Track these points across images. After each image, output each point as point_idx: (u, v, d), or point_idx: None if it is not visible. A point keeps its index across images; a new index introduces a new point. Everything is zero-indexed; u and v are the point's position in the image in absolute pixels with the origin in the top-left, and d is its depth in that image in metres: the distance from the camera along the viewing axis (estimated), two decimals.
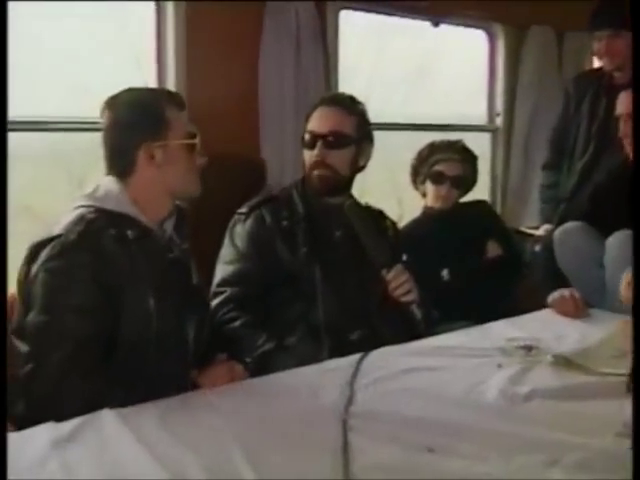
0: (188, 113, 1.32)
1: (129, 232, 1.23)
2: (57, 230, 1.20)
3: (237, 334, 1.49)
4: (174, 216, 1.34)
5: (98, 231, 1.20)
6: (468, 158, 2.15)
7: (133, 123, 1.26)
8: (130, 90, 1.32)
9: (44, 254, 1.18)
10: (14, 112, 1.33)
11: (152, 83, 2.09)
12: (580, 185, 2.23)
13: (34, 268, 1.19)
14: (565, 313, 1.66)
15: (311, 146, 1.62)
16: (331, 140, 1.60)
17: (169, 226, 1.33)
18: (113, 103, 1.29)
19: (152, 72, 2.11)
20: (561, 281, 1.76)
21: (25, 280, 1.20)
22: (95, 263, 1.18)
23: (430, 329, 1.59)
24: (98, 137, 1.30)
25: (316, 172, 1.61)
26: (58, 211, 1.31)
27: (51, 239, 1.19)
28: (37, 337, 1.16)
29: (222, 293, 1.56)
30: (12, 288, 1.26)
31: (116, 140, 1.28)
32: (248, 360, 1.36)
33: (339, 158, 1.61)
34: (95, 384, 1.13)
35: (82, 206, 1.25)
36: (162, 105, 1.29)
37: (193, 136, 1.31)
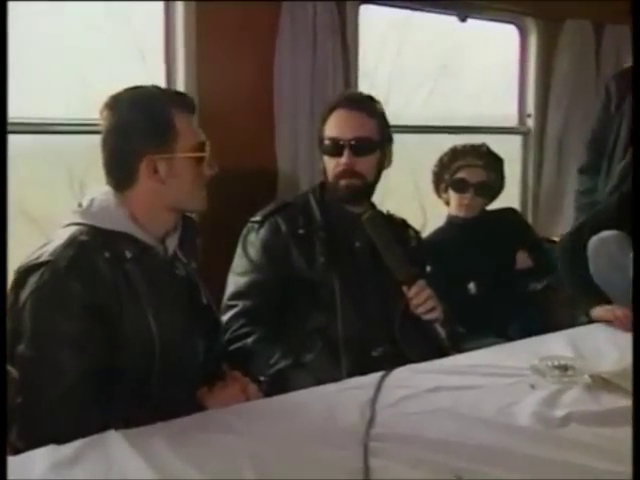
0: (197, 114, 1.29)
1: (126, 252, 1.22)
2: (47, 254, 1.18)
3: (250, 350, 1.52)
4: (178, 230, 1.33)
5: (91, 255, 1.18)
6: (493, 163, 2.17)
7: (135, 130, 1.22)
8: (134, 89, 1.27)
9: (32, 281, 1.16)
10: (12, 113, 1.31)
11: (158, 80, 2.12)
12: (618, 189, 2.22)
13: (22, 295, 1.16)
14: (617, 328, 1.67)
15: (335, 153, 1.64)
16: (358, 146, 1.63)
17: (172, 242, 1.31)
18: (114, 103, 1.24)
19: (157, 68, 2.15)
20: (599, 295, 1.76)
21: (13, 308, 1.16)
22: (88, 290, 1.15)
23: (456, 346, 1.60)
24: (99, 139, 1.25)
25: (344, 181, 1.64)
26: (57, 217, 1.31)
27: (40, 264, 1.17)
28: (27, 373, 1.13)
29: (234, 307, 1.59)
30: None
31: (115, 147, 1.24)
32: (262, 378, 1.38)
33: (367, 165, 1.65)
34: (93, 417, 1.12)
35: (75, 224, 1.23)
36: (170, 110, 1.24)
37: (203, 146, 1.27)
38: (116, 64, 2.30)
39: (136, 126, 1.23)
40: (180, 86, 1.99)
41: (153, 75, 2.25)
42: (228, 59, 2.04)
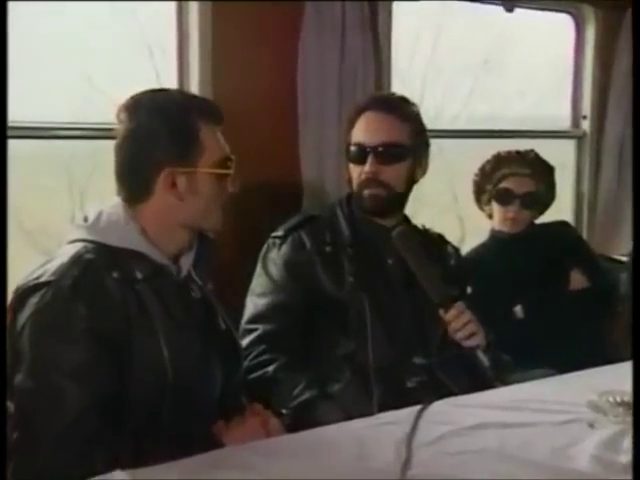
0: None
1: (137, 272, 1.24)
2: (49, 273, 1.19)
3: (271, 380, 1.53)
4: (193, 249, 1.35)
5: (98, 274, 1.19)
6: (542, 171, 2.17)
7: (156, 138, 1.23)
8: (157, 92, 1.29)
9: (32, 303, 1.17)
10: (9, 115, 1.32)
11: (169, 82, 2.17)
12: None
13: (20, 319, 1.17)
14: None
15: (360, 160, 1.66)
16: (384, 153, 1.64)
17: (187, 261, 1.33)
18: (134, 106, 1.26)
19: (168, 69, 2.19)
20: None
21: (10, 332, 1.17)
22: (95, 314, 1.16)
23: (501, 377, 1.60)
24: (105, 144, 1.29)
25: (367, 191, 1.66)
26: (54, 230, 1.33)
27: (41, 285, 1.18)
28: (25, 406, 1.13)
29: (253, 331, 1.61)
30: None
31: (131, 155, 1.26)
32: (284, 411, 1.40)
33: (394, 173, 1.66)
34: (98, 455, 1.12)
35: (80, 240, 1.24)
36: (196, 120, 1.26)
37: (228, 162, 1.29)
38: (123, 63, 2.36)
39: (157, 134, 1.24)
40: (194, 89, 2.02)
41: (164, 76, 2.30)
42: (246, 59, 2.08)
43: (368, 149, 1.65)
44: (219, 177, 1.29)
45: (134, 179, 1.27)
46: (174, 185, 1.26)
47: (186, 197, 1.26)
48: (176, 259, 1.32)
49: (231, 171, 1.30)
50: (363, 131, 1.67)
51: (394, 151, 1.65)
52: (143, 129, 1.24)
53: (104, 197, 1.34)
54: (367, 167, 1.64)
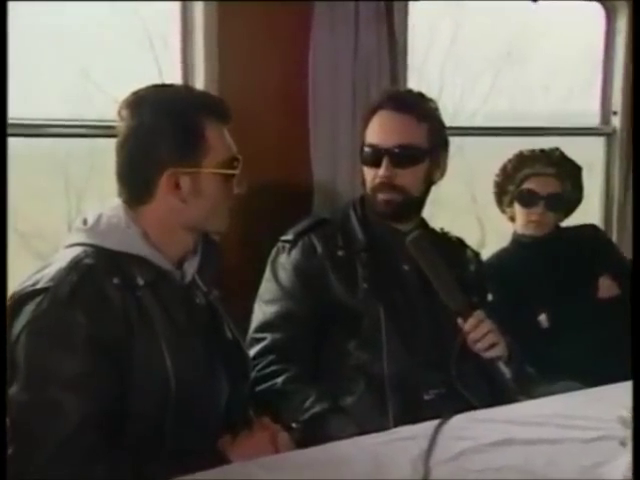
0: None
1: (139, 277, 1.25)
2: (46, 279, 1.20)
3: (280, 392, 1.55)
4: (198, 253, 1.36)
5: (98, 280, 1.20)
6: (568, 171, 2.17)
7: (159, 137, 1.25)
8: (162, 88, 1.31)
9: (28, 310, 1.18)
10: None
11: (169, 73, 2.18)
12: None
13: (16, 327, 1.18)
14: None
15: (374, 163, 1.67)
16: (400, 156, 1.65)
17: (191, 266, 1.35)
18: (137, 103, 1.27)
19: (171, 64, 2.20)
20: None
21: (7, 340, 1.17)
22: (94, 322, 1.18)
23: (524, 390, 1.61)
24: (103, 143, 1.32)
25: (381, 196, 1.67)
26: (49, 233, 1.34)
27: (37, 292, 1.19)
28: (21, 419, 1.13)
29: (261, 340, 1.62)
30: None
31: (133, 155, 1.27)
32: (294, 425, 1.40)
33: (410, 177, 1.67)
34: (97, 471, 1.13)
35: (79, 244, 1.26)
36: (202, 117, 1.27)
37: (234, 163, 1.31)
38: (123, 58, 2.38)
39: (160, 133, 1.25)
40: (199, 85, 2.02)
41: (166, 72, 2.31)
42: (254, 55, 2.08)
43: (382, 151, 1.65)
44: (225, 178, 1.31)
45: (136, 180, 1.28)
46: (177, 186, 1.27)
47: (190, 199, 1.28)
48: (180, 264, 1.33)
49: (237, 171, 1.31)
50: (377, 132, 1.67)
51: (410, 153, 1.66)
52: (146, 127, 1.26)
53: (102, 198, 1.35)
54: (381, 170, 1.65)
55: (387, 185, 1.65)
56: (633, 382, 1.22)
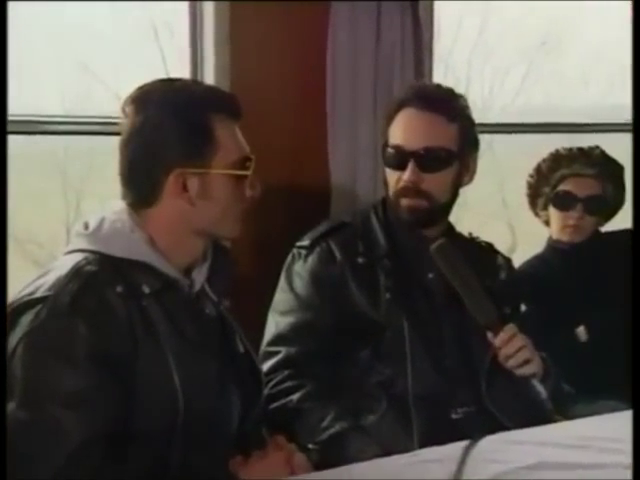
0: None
1: (144, 286, 1.26)
2: (45, 288, 1.21)
3: (296, 410, 1.56)
4: (208, 260, 1.37)
5: (101, 289, 1.21)
6: (609, 171, 2.16)
7: (165, 136, 1.26)
8: (169, 83, 1.32)
9: (25, 321, 1.18)
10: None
11: (174, 62, 2.20)
12: None
13: (12, 340, 1.18)
14: None
15: (398, 165, 1.68)
16: (427, 159, 1.65)
17: (200, 274, 1.36)
18: (142, 99, 1.29)
19: (178, 58, 2.22)
20: None
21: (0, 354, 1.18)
22: (97, 334, 1.18)
23: (562, 410, 1.62)
24: (104, 141, 1.34)
25: (405, 201, 1.67)
26: (46, 237, 1.35)
27: (36, 301, 1.20)
28: (18, 439, 1.13)
29: (275, 354, 1.64)
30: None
31: (138, 155, 1.29)
32: (311, 446, 1.43)
33: (437, 182, 1.67)
34: None
35: (80, 250, 1.27)
36: (211, 114, 1.28)
37: (246, 163, 1.32)
38: (125, 49, 2.40)
39: (167, 131, 1.27)
40: (208, 80, 2.03)
41: (172, 63, 2.33)
42: (268, 46, 2.10)
43: (408, 154, 1.65)
44: (236, 179, 1.32)
45: (140, 181, 1.30)
46: (185, 188, 1.28)
47: (199, 202, 1.29)
48: (188, 272, 1.34)
49: (250, 172, 1.32)
50: (402, 131, 1.67)
51: (439, 157, 1.66)
52: (151, 124, 1.27)
53: (103, 200, 1.37)
54: (406, 175, 1.65)
55: (412, 190, 1.65)
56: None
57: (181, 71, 2.13)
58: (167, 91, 1.30)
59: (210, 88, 1.41)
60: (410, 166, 1.64)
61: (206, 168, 1.28)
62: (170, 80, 1.35)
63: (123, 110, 1.30)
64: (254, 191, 1.34)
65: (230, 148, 1.30)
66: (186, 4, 2.11)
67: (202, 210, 1.30)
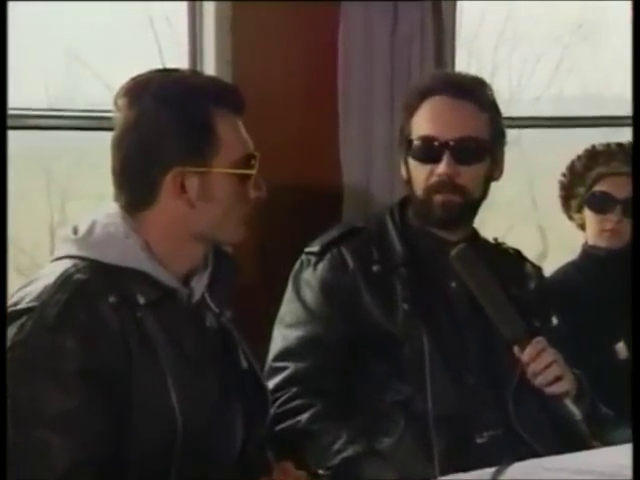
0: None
1: (139, 296, 1.27)
2: (30, 298, 1.22)
3: (305, 431, 1.57)
4: (209, 268, 1.39)
5: (92, 300, 1.22)
6: None
7: (162, 131, 1.28)
8: (166, 74, 1.34)
9: (8, 335, 1.19)
10: None
11: (171, 51, 2.22)
12: None
13: None
14: None
15: (429, 158, 1.69)
16: (464, 150, 1.67)
17: (200, 283, 1.37)
18: (137, 91, 1.30)
19: (175, 48, 2.24)
20: None
21: None
22: (87, 349, 1.19)
23: (599, 434, 1.62)
24: (91, 136, 1.35)
25: (440, 197, 1.68)
26: (27, 241, 1.35)
27: (20, 313, 1.21)
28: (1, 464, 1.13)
29: (282, 370, 1.65)
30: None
31: (133, 152, 1.30)
32: (322, 472, 1.44)
33: (473, 175, 1.69)
34: None
35: (68, 257, 1.28)
36: (211, 108, 1.30)
37: (250, 161, 1.33)
38: (117, 37, 2.42)
39: (164, 126, 1.28)
40: (209, 71, 2.04)
41: (169, 52, 2.35)
42: (273, 34, 2.11)
43: (442, 145, 1.67)
44: (239, 179, 1.33)
45: (135, 181, 1.31)
46: (184, 188, 1.30)
47: (199, 203, 1.30)
48: (187, 280, 1.36)
49: (254, 172, 1.34)
50: (432, 121, 1.69)
51: (475, 148, 1.68)
52: (147, 119, 1.29)
53: (91, 202, 1.38)
54: (442, 167, 1.66)
55: (448, 185, 1.67)
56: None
57: (179, 61, 2.15)
58: (164, 82, 1.32)
59: (211, 79, 1.43)
60: (445, 158, 1.66)
61: (207, 167, 1.30)
62: (167, 71, 1.37)
63: (116, 103, 1.32)
64: (259, 192, 1.36)
65: (233, 145, 1.32)
66: None
67: (202, 213, 1.31)
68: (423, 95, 1.72)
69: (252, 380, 1.44)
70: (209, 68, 2.08)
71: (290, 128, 2.11)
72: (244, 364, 1.43)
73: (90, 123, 2.07)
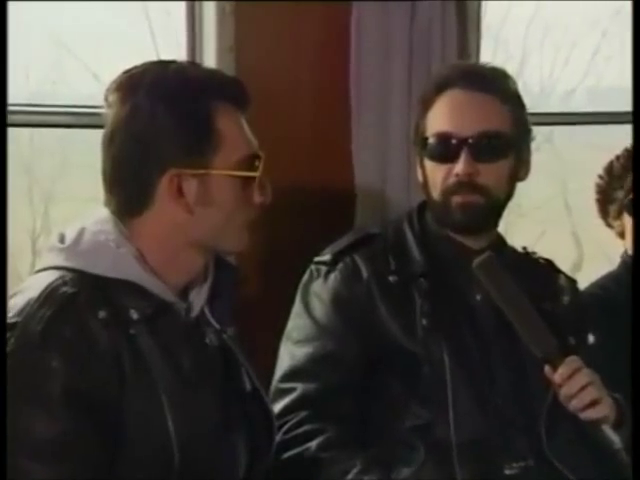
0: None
1: (132, 311, 1.28)
2: (11, 313, 1.23)
3: (315, 459, 1.58)
4: (209, 280, 1.40)
5: (80, 315, 1.23)
6: None
7: (158, 129, 1.29)
8: (161, 66, 1.35)
9: None
10: None
11: (168, 42, 2.24)
12: None
13: None
14: None
15: (446, 157, 1.70)
16: (484, 147, 1.68)
17: (200, 296, 1.39)
18: (128, 86, 1.31)
19: (169, 25, 2.26)
20: None
21: None
22: (74, 370, 1.20)
23: None
24: (78, 134, 1.35)
25: (459, 199, 1.69)
26: (10, 248, 1.38)
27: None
28: None
29: (290, 391, 1.66)
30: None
31: (125, 153, 1.31)
32: None
33: (495, 174, 1.70)
34: None
35: (55, 268, 1.29)
36: (211, 103, 1.31)
37: (254, 161, 1.35)
38: (106, 23, 2.44)
39: (160, 123, 1.29)
40: (210, 63, 2.03)
41: (165, 43, 2.36)
42: (280, 24, 2.12)
43: (460, 141, 1.68)
44: (242, 182, 1.35)
45: (128, 184, 1.33)
46: (181, 192, 1.31)
47: (197, 209, 1.32)
48: (185, 294, 1.38)
49: (258, 173, 1.35)
50: (449, 116, 1.71)
51: (496, 144, 1.69)
52: (141, 115, 1.30)
53: (78, 206, 1.40)
54: (461, 166, 1.67)
55: (467, 185, 1.68)
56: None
57: (175, 49, 2.18)
58: (160, 75, 1.33)
59: (212, 72, 1.44)
60: (463, 156, 1.67)
61: (206, 168, 1.31)
62: (163, 62, 1.37)
63: (106, 99, 1.33)
64: (264, 196, 1.37)
65: (235, 144, 1.33)
66: None
67: (201, 219, 1.33)
68: (439, 88, 1.73)
69: (256, 404, 1.46)
70: (209, 56, 2.09)
71: (299, 125, 2.13)
72: (247, 386, 1.44)
73: (77, 119, 2.09)
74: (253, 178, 1.35)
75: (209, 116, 1.31)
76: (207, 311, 1.41)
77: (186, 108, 1.31)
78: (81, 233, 1.33)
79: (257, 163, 1.35)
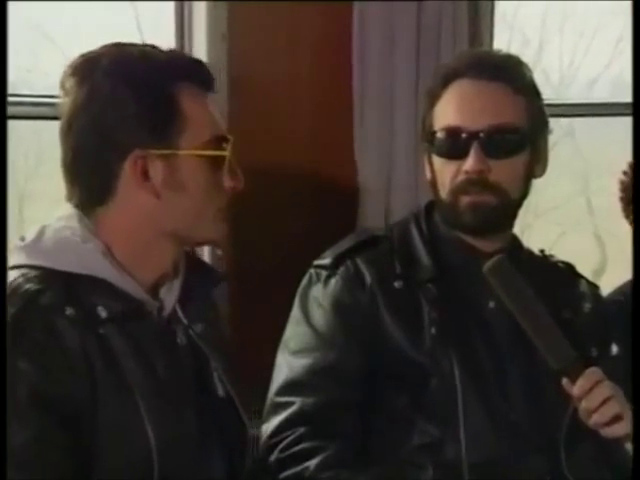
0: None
1: (100, 308, 1.30)
2: None
3: (314, 479, 1.58)
4: (181, 275, 1.42)
5: (45, 313, 1.25)
6: None
7: (118, 111, 1.31)
8: (117, 48, 1.36)
9: None
10: None
11: (154, 31, 2.26)
12: None
13: None
14: None
15: (455, 153, 1.71)
16: (495, 141, 1.68)
17: (171, 293, 1.41)
18: (86, 69, 1.33)
19: (158, 26, 2.27)
20: None
21: None
22: (41, 373, 1.22)
23: None
24: (54, 126, 1.33)
25: (467, 198, 1.69)
26: None
27: None
28: None
29: (287, 405, 1.66)
30: None
31: (84, 138, 1.33)
32: None
33: (508, 171, 1.70)
34: None
35: (18, 267, 1.31)
36: (174, 83, 1.34)
37: (222, 142, 1.38)
38: (89, 9, 2.44)
39: (120, 103, 1.32)
40: (201, 55, 2.07)
41: (151, 32, 2.36)
42: (279, 12, 2.14)
43: (470, 135, 1.68)
44: (211, 165, 1.37)
45: (89, 171, 1.34)
46: (146, 175, 1.33)
47: (165, 193, 1.34)
48: (155, 290, 1.39)
49: (227, 153, 1.37)
50: (457, 109, 1.71)
51: (509, 138, 1.70)
52: (99, 96, 1.32)
53: (53, 203, 1.41)
54: (470, 162, 1.67)
55: (478, 183, 1.68)
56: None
57: (165, 35, 2.18)
58: (118, 56, 1.35)
59: (173, 52, 1.45)
60: (473, 151, 1.67)
61: (172, 149, 1.33)
62: (121, 44, 1.38)
63: (63, 86, 1.35)
64: (235, 181, 1.39)
65: (201, 125, 1.36)
66: None
67: (170, 204, 1.35)
68: (447, 79, 1.73)
69: (229, 411, 1.47)
70: (200, 44, 2.11)
71: (298, 120, 2.13)
72: (220, 392, 1.45)
73: (53, 111, 2.08)
74: (222, 161, 1.38)
75: (172, 96, 1.34)
76: (178, 309, 1.43)
77: (147, 88, 1.33)
78: (42, 231, 1.35)
79: (225, 145, 1.38)
